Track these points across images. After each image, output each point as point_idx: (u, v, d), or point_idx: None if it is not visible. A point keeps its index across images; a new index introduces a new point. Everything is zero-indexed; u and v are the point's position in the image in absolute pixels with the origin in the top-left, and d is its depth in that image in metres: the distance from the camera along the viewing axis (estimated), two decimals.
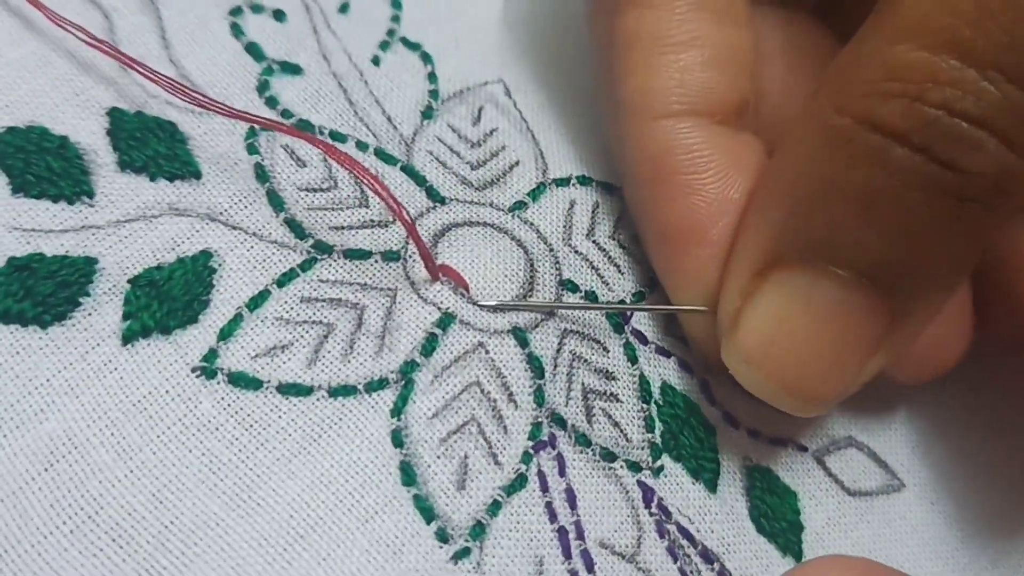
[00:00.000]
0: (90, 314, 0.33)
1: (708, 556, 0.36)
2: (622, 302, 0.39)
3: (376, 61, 0.42)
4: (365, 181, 0.35)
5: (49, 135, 0.36)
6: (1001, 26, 0.28)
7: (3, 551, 0.30)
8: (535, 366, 0.36)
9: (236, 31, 0.40)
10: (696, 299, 0.36)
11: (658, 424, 0.37)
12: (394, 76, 0.42)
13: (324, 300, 0.35)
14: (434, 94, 0.41)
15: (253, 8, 0.41)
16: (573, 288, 0.39)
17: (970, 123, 0.28)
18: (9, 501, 0.30)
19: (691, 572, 0.35)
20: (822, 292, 0.32)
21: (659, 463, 0.37)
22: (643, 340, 0.39)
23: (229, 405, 0.33)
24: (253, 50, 0.40)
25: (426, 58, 0.42)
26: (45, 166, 0.35)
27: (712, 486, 0.37)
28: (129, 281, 0.34)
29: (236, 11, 0.41)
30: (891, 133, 0.29)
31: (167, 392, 0.33)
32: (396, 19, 0.43)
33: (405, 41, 0.43)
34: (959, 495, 0.41)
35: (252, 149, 0.38)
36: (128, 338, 0.33)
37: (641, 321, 0.39)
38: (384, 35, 0.42)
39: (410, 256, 0.37)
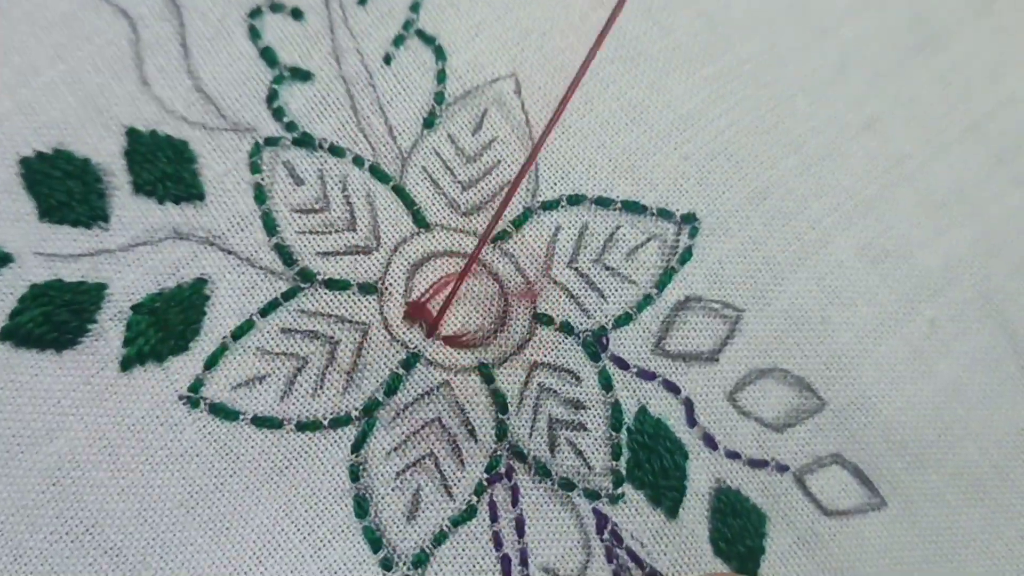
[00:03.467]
0: (96, 339, 0.37)
1: None
2: (603, 328, 0.39)
3: (387, 60, 0.41)
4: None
5: (73, 158, 0.39)
6: None
7: (15, 557, 0.35)
8: (499, 401, 0.38)
9: (253, 34, 0.41)
10: None
11: (625, 452, 0.38)
12: (403, 76, 0.41)
13: (302, 332, 0.38)
14: (439, 96, 0.41)
15: (273, 7, 0.41)
16: (548, 321, 0.39)
17: None
18: (21, 513, 0.36)
19: None
20: None
21: (620, 490, 0.38)
22: (623, 365, 0.39)
23: (209, 434, 0.37)
24: (267, 55, 0.41)
25: (439, 53, 0.42)
26: (66, 191, 0.39)
27: (673, 512, 0.38)
28: (132, 307, 0.38)
29: (255, 12, 0.41)
30: None
31: (156, 418, 0.37)
32: (416, 7, 0.42)
33: (421, 34, 0.42)
34: (948, 514, 0.40)
35: (255, 167, 0.39)
36: (126, 364, 0.37)
37: (623, 346, 0.39)
38: (400, 28, 0.42)
39: (385, 289, 0.38)
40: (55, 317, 0.37)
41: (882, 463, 0.40)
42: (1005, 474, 0.41)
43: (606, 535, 0.37)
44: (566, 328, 0.39)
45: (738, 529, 0.39)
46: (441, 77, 0.41)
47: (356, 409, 0.37)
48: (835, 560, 0.39)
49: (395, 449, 0.37)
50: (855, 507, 0.40)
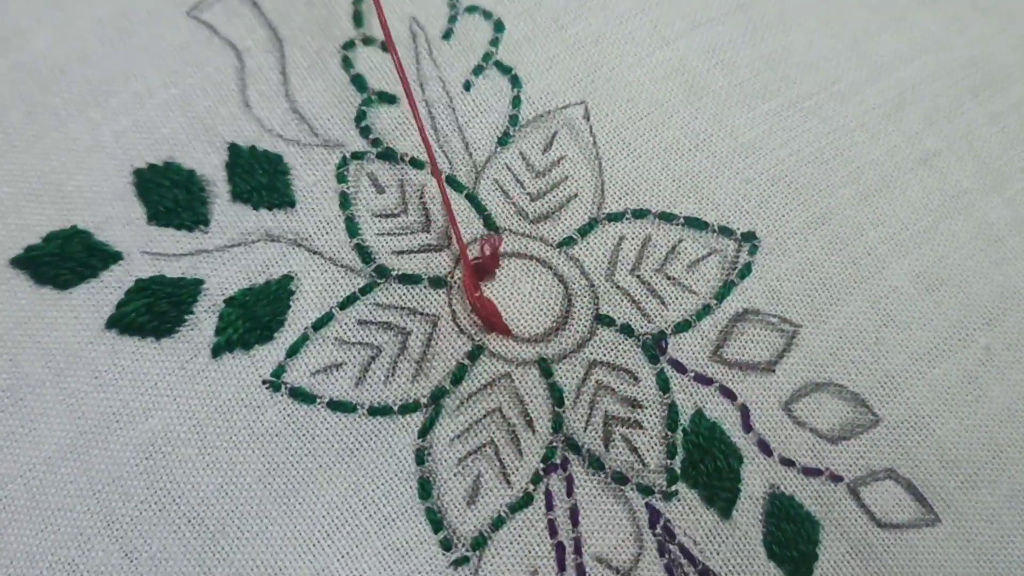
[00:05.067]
0: (191, 329, 0.41)
1: (707, 575, 0.38)
2: (662, 333, 0.41)
3: (467, 86, 0.45)
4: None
5: (181, 169, 0.43)
6: None
7: (108, 523, 0.38)
8: (556, 395, 0.40)
9: (346, 64, 0.45)
10: None
11: (680, 451, 0.40)
12: (481, 101, 0.45)
13: (377, 323, 0.40)
14: (514, 119, 0.44)
15: (364, 41, 0.46)
16: (609, 322, 0.41)
17: None
18: (116, 484, 0.39)
19: None
20: None
21: (673, 488, 0.39)
22: (681, 369, 0.41)
23: (288, 416, 0.40)
24: (358, 82, 0.45)
25: (515, 82, 0.45)
26: (173, 198, 0.43)
27: (726, 512, 0.40)
28: (225, 300, 0.41)
29: (348, 45, 0.45)
30: None
31: (241, 400, 0.40)
32: (495, 42, 0.46)
33: (499, 65, 0.46)
34: (1002, 534, 0.41)
35: (341, 177, 0.43)
36: (216, 351, 0.40)
37: (681, 351, 0.41)
38: (480, 60, 0.45)
39: (455, 283, 0.41)
40: (156, 308, 0.41)
41: (936, 481, 0.41)
42: None
43: (659, 530, 0.39)
44: (626, 330, 0.41)
45: (792, 534, 0.40)
46: (516, 103, 0.45)
47: (424, 396, 0.40)
48: (888, 572, 0.40)
49: (458, 436, 0.39)
50: (909, 521, 0.40)
